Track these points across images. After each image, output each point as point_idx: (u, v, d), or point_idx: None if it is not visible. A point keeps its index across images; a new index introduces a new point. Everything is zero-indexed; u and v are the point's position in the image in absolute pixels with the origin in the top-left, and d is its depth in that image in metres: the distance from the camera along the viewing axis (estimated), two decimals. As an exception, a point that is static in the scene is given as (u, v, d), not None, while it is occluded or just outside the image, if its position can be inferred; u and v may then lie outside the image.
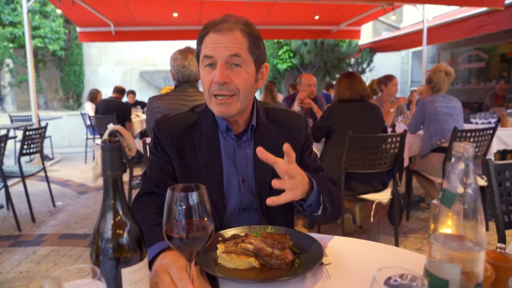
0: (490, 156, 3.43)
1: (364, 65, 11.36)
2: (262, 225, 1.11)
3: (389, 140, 2.81)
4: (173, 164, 1.19)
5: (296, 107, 4.03)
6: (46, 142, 6.69)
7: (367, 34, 11.98)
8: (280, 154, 0.95)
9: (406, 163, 3.33)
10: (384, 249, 1.03)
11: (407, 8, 11.42)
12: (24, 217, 3.85)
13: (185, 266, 0.77)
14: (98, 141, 6.04)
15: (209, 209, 0.71)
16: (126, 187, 3.32)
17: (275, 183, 0.93)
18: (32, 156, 6.36)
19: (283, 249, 0.89)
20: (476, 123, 4.04)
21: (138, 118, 6.47)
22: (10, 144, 5.76)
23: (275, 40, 11.39)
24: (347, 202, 3.09)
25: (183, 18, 6.79)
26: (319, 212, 1.08)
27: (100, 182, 3.87)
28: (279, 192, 0.94)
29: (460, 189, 0.60)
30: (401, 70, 13.22)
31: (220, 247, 0.92)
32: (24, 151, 3.79)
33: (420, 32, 7.59)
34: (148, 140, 2.38)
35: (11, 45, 9.31)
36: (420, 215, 3.79)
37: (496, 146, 3.59)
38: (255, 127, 1.22)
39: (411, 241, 3.18)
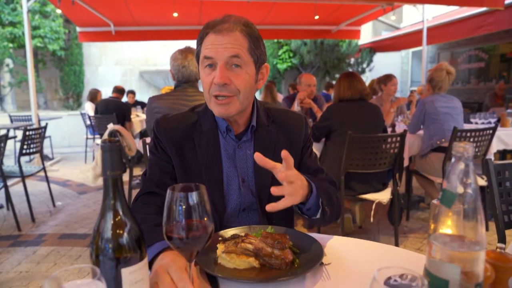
0: (490, 156, 3.44)
1: (364, 65, 11.36)
2: (262, 225, 1.11)
3: (389, 140, 2.81)
4: (173, 164, 1.19)
5: (296, 107, 4.03)
6: (46, 142, 6.68)
7: (367, 34, 11.98)
8: (280, 154, 0.95)
9: (406, 163, 3.33)
10: (384, 249, 1.03)
11: (407, 8, 11.42)
12: (24, 217, 3.84)
13: (185, 266, 0.77)
14: (98, 141, 6.04)
15: (209, 209, 0.71)
16: (126, 187, 3.32)
17: (274, 191, 0.92)
18: (32, 156, 6.36)
19: (283, 249, 0.89)
20: (476, 123, 4.04)
21: (138, 118, 6.47)
22: (10, 144, 5.76)
23: (275, 40, 11.39)
24: (347, 202, 3.09)
25: (183, 18, 6.79)
26: (318, 216, 1.08)
27: (100, 182, 3.87)
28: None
29: (460, 189, 0.60)
30: (401, 70, 13.22)
31: (220, 247, 0.92)
32: (24, 151, 3.78)
33: (420, 32, 7.59)
34: (148, 140, 2.38)
35: (11, 45, 9.30)
36: (420, 215, 3.79)
37: (496, 146, 3.59)
38: (255, 128, 1.22)
39: (411, 241, 3.18)
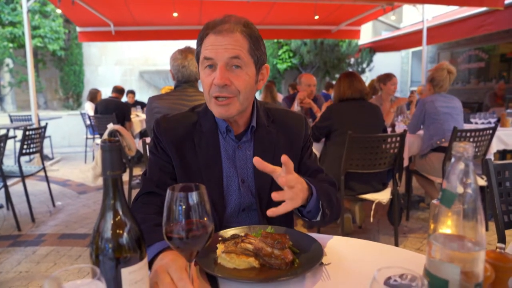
0: (490, 156, 3.44)
1: (364, 65, 11.36)
2: (262, 225, 1.11)
3: (389, 140, 2.81)
4: (173, 164, 1.19)
5: (296, 107, 4.03)
6: (46, 142, 6.68)
7: (367, 34, 11.98)
8: (279, 155, 0.94)
9: (406, 163, 3.33)
10: (384, 249, 1.03)
11: (406, 8, 11.42)
12: (24, 217, 3.84)
13: (185, 266, 0.77)
14: (98, 141, 6.04)
15: (209, 209, 0.71)
16: (126, 187, 3.32)
17: (275, 196, 0.91)
18: (32, 156, 6.36)
19: (283, 249, 0.89)
20: (476, 123, 4.05)
21: (138, 118, 6.48)
22: (10, 144, 5.77)
23: (275, 40, 11.39)
24: (347, 202, 3.09)
25: (183, 18, 6.79)
26: (318, 218, 1.08)
27: (100, 182, 3.87)
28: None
29: (460, 189, 0.60)
30: (401, 70, 13.22)
31: (220, 247, 0.92)
32: (24, 151, 3.78)
33: (419, 32, 7.59)
34: (148, 140, 2.38)
35: (11, 44, 9.30)
36: (420, 215, 3.79)
37: (496, 146, 3.59)
38: (255, 128, 1.22)
39: (411, 241, 3.18)
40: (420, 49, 8.45)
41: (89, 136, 7.01)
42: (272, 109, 1.30)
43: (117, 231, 0.64)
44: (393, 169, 2.94)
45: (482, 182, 3.08)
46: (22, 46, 9.15)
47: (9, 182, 3.79)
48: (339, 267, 0.91)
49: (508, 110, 4.45)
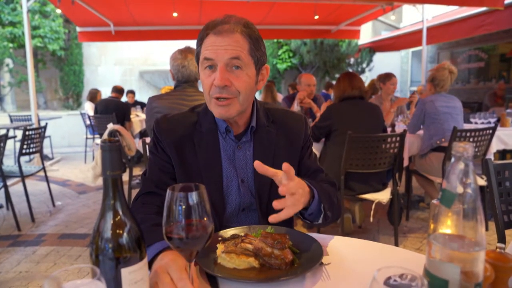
0: (490, 156, 3.44)
1: (364, 65, 11.36)
2: (262, 225, 1.11)
3: (389, 140, 2.81)
4: (173, 164, 1.19)
5: (295, 107, 4.03)
6: (46, 142, 6.68)
7: (366, 34, 11.99)
8: (279, 154, 0.94)
9: (405, 163, 3.33)
10: (383, 249, 1.03)
11: (406, 8, 11.42)
12: (24, 217, 3.84)
13: (184, 266, 0.77)
14: (98, 140, 6.04)
15: (209, 209, 0.71)
16: (125, 187, 3.32)
17: (276, 205, 0.90)
18: (31, 156, 6.36)
19: (282, 249, 0.89)
20: (476, 123, 4.05)
21: (138, 117, 6.47)
22: (9, 143, 5.76)
23: (275, 40, 11.39)
24: (346, 202, 3.09)
25: (182, 18, 6.79)
26: (320, 221, 1.08)
27: (99, 181, 3.87)
28: (277, 193, 0.93)
29: (460, 189, 0.60)
30: (400, 70, 13.23)
31: (220, 247, 0.92)
32: (23, 151, 3.78)
33: (419, 32, 7.59)
34: (148, 140, 2.38)
35: (10, 44, 9.30)
36: (419, 215, 3.79)
37: (495, 146, 3.59)
38: (254, 128, 1.22)
39: (411, 241, 3.18)
40: (420, 49, 8.45)
41: (89, 136, 7.01)
42: (271, 109, 1.30)
43: (117, 231, 0.64)
44: (393, 169, 2.94)
45: (482, 182, 3.08)
46: (22, 46, 9.15)
47: (9, 182, 3.79)
48: (339, 267, 0.91)
49: (508, 110, 4.45)
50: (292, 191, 0.93)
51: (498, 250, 0.76)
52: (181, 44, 2.75)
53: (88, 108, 7.06)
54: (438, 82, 3.35)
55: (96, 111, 6.05)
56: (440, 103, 3.33)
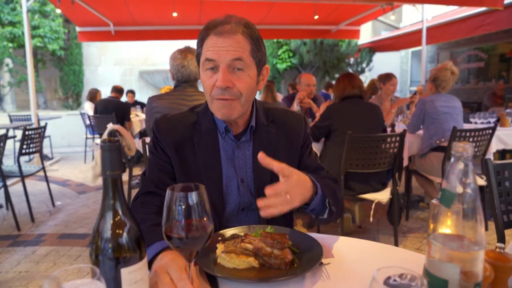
0: (489, 155, 3.44)
1: (364, 65, 11.36)
2: (261, 225, 1.11)
3: (389, 139, 2.81)
4: (172, 164, 1.19)
5: (295, 107, 4.03)
6: (46, 141, 6.68)
7: (366, 33, 11.98)
8: (279, 154, 0.95)
9: (405, 162, 3.33)
10: (383, 248, 1.03)
11: (406, 8, 11.42)
12: (24, 217, 3.84)
13: (184, 266, 0.77)
14: (98, 140, 6.04)
15: (209, 209, 0.71)
16: (125, 187, 3.32)
17: (260, 204, 0.90)
18: (31, 156, 6.36)
19: (282, 249, 0.89)
20: (476, 123, 4.05)
21: (138, 117, 6.47)
22: (9, 143, 5.76)
23: (275, 40, 11.39)
24: (346, 202, 3.09)
25: (182, 17, 6.79)
26: (325, 216, 1.09)
27: (99, 181, 3.87)
28: None
29: (459, 189, 0.60)
30: (400, 70, 13.22)
31: (220, 247, 0.92)
32: (23, 151, 3.78)
33: (419, 32, 7.60)
34: (148, 139, 2.38)
35: (10, 44, 9.29)
36: (419, 215, 3.79)
37: (495, 145, 3.59)
38: (254, 128, 1.22)
39: (411, 241, 3.18)
40: (419, 49, 8.45)
41: (89, 136, 7.01)
42: (271, 109, 1.30)
43: (117, 231, 0.64)
44: (393, 169, 2.94)
45: (481, 182, 3.09)
46: (21, 46, 9.15)
47: (8, 182, 3.78)
48: (339, 267, 0.91)
49: (508, 110, 4.45)
50: (284, 191, 0.92)
51: (497, 250, 0.76)
52: (181, 44, 2.75)
53: (88, 108, 7.05)
54: (440, 82, 3.35)
55: (96, 111, 6.05)
56: (440, 103, 3.33)
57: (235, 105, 1.11)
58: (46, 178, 4.26)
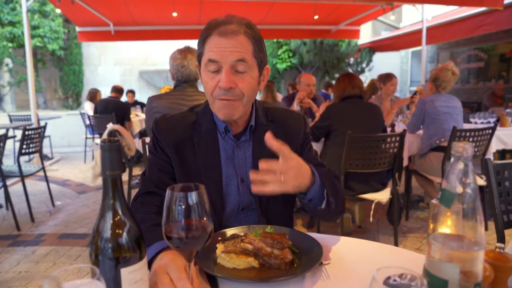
0: (489, 155, 3.44)
1: (364, 65, 11.36)
2: (261, 225, 1.11)
3: (389, 139, 2.81)
4: (172, 164, 1.19)
5: (295, 107, 4.03)
6: (45, 141, 6.68)
7: (366, 33, 11.98)
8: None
9: (405, 162, 3.33)
10: (383, 248, 1.03)
11: (406, 7, 11.42)
12: (23, 216, 3.84)
13: (184, 265, 0.77)
14: (98, 140, 6.04)
15: (208, 209, 0.71)
16: (125, 187, 3.32)
17: (253, 176, 0.92)
18: (31, 156, 6.35)
19: (282, 249, 0.89)
20: (476, 123, 4.05)
21: (138, 117, 6.47)
22: (9, 143, 5.76)
23: (275, 40, 11.39)
24: (346, 202, 3.09)
25: (182, 17, 6.78)
26: (323, 206, 1.07)
27: (99, 181, 3.87)
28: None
29: (459, 189, 0.60)
30: (400, 70, 13.23)
31: (220, 247, 0.92)
32: (23, 151, 3.78)
33: (419, 31, 7.60)
34: (148, 139, 2.38)
35: (10, 44, 9.29)
36: (419, 215, 3.79)
37: (495, 145, 3.59)
38: (254, 128, 1.22)
39: (411, 241, 3.18)
40: (419, 49, 8.45)
41: (89, 135, 7.01)
42: (271, 108, 1.30)
43: (117, 231, 0.64)
44: (393, 169, 2.94)
45: (481, 181, 3.09)
46: (21, 45, 9.14)
47: (8, 182, 3.78)
48: (339, 267, 0.91)
49: (508, 110, 4.45)
50: (279, 170, 0.93)
51: (497, 250, 0.76)
52: (181, 44, 2.75)
53: (88, 108, 7.05)
54: (440, 82, 3.35)
55: (95, 111, 6.05)
56: (440, 103, 3.33)
57: (237, 106, 1.11)
58: (46, 178, 4.26)
